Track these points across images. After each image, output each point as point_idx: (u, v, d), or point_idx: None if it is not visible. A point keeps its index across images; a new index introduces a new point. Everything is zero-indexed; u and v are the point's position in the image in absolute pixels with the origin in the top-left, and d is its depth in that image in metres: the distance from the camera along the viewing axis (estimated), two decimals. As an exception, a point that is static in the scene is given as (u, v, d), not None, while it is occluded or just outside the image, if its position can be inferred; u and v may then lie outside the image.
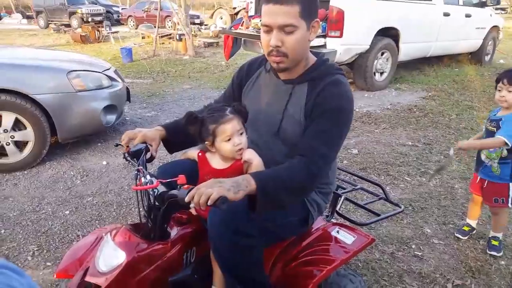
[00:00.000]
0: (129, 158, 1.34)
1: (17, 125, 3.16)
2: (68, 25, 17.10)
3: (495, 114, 2.12)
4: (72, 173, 3.20)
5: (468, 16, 7.00)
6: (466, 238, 2.35)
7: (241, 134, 1.28)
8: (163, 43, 11.00)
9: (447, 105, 5.14)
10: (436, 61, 7.48)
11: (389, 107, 5.13)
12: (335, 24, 5.10)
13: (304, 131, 1.25)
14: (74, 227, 2.45)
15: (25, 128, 3.17)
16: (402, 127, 4.36)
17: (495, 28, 7.93)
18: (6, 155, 3.18)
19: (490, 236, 2.28)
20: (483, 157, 2.13)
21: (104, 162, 3.40)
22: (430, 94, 5.71)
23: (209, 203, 0.96)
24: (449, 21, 6.57)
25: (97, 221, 2.52)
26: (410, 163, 3.41)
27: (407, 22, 5.90)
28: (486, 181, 2.16)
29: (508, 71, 2.07)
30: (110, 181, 3.07)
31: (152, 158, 1.39)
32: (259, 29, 4.48)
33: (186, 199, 1.00)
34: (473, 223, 2.38)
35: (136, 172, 1.20)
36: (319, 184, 1.37)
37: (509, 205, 2.14)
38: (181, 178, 1.07)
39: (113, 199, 2.79)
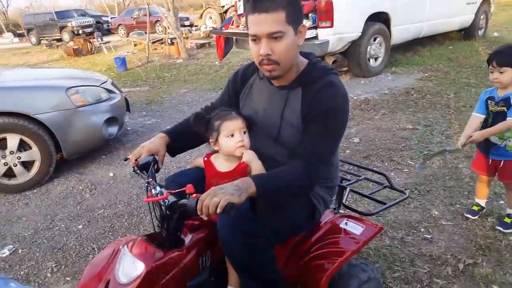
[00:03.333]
0: (138, 171, 1.38)
1: (23, 146, 3.21)
2: (60, 40, 17.17)
3: (493, 95, 2.09)
4: (80, 187, 3.25)
5: (457, -8, 6.98)
6: (476, 217, 2.37)
7: (244, 133, 1.35)
8: (155, 48, 11.01)
9: (445, 85, 5.15)
10: (430, 41, 7.46)
11: (386, 92, 5.14)
12: (325, 14, 5.10)
13: (301, 135, 1.28)
14: (89, 241, 2.50)
15: (30, 148, 3.22)
16: (401, 111, 4.37)
17: (486, 1, 7.89)
18: (14, 176, 3.24)
19: (507, 213, 2.29)
20: (494, 139, 2.09)
21: (111, 174, 3.45)
22: (426, 75, 5.72)
23: (218, 211, 1.01)
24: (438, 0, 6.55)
25: (110, 233, 2.57)
26: (412, 147, 3.43)
27: (396, 5, 5.88)
28: (502, 161, 2.14)
29: (497, 52, 2.04)
30: (119, 192, 3.12)
31: (158, 169, 1.43)
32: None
33: (198, 212, 1.05)
34: (482, 202, 2.40)
35: (146, 184, 1.24)
36: (322, 180, 1.39)
37: None
38: (189, 188, 1.11)
39: (124, 210, 2.84)
